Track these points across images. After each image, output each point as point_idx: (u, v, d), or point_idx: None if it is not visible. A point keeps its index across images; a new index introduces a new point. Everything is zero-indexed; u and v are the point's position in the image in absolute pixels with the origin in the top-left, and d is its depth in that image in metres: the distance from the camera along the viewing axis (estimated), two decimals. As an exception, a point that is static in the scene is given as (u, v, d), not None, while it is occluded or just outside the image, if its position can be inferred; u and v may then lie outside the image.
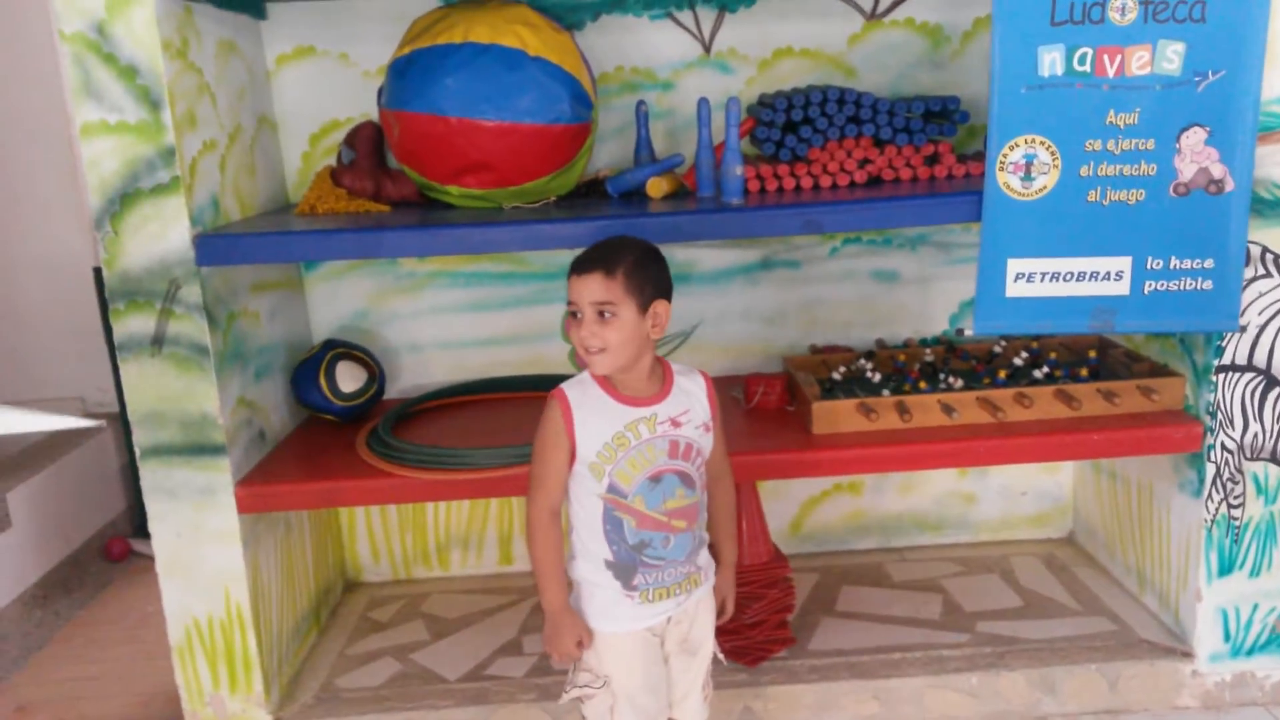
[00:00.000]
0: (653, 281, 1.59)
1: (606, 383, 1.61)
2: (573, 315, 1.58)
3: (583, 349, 1.57)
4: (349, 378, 2.28)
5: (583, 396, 1.60)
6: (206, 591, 2.03)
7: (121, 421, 3.23)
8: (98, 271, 3.17)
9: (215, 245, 1.90)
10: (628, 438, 1.58)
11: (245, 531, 2.02)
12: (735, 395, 2.35)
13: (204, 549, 2.01)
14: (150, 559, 2.05)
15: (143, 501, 2.01)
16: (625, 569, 1.61)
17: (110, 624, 2.72)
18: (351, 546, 2.64)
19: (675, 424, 1.61)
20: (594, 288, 1.55)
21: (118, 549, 3.10)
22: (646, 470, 1.59)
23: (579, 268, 1.57)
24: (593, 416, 1.59)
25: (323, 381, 2.26)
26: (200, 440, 1.96)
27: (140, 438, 1.96)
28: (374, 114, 2.32)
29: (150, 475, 1.98)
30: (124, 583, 2.96)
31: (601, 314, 1.55)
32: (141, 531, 3.21)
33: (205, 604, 2.03)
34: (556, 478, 1.60)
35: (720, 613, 1.77)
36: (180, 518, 1.99)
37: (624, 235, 1.65)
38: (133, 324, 1.92)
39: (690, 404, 1.64)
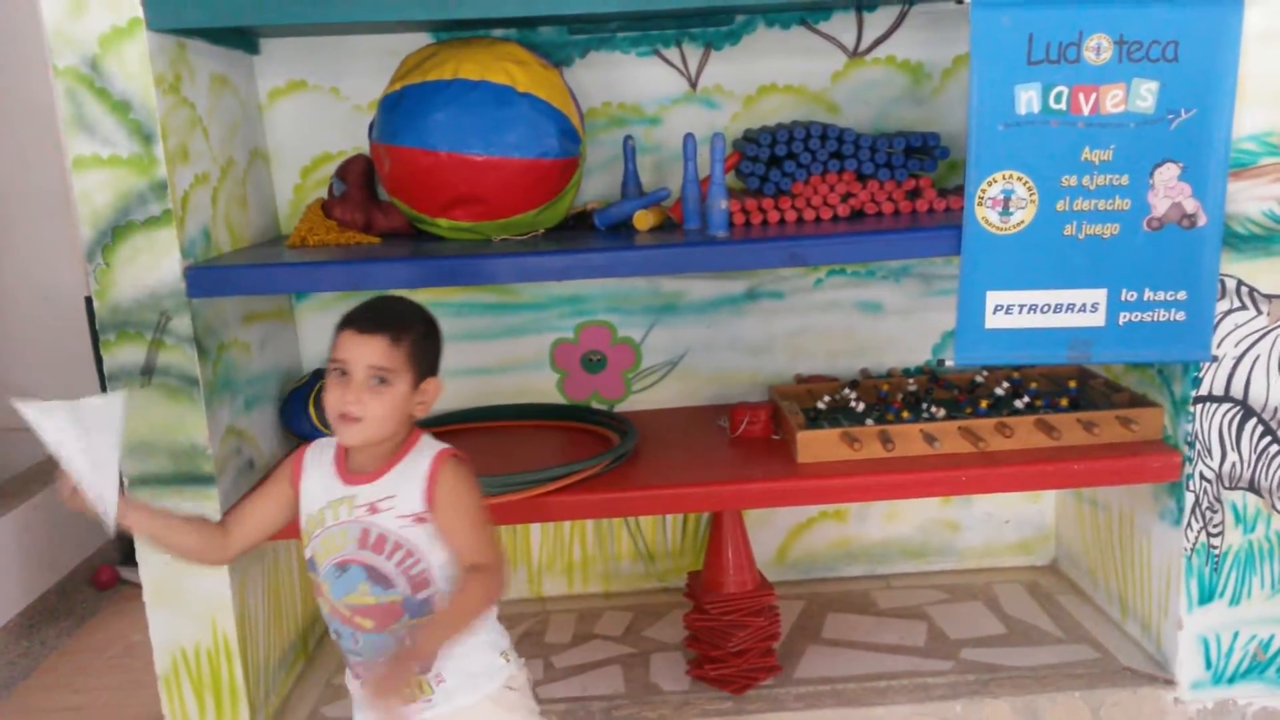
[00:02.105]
0: (432, 356, 1.50)
1: (341, 453, 1.51)
2: (338, 373, 1.43)
3: (337, 414, 1.42)
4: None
5: (319, 458, 1.52)
6: (194, 621, 2.03)
7: (111, 450, 3.23)
8: (89, 301, 3.19)
9: (206, 277, 1.92)
10: (325, 516, 1.47)
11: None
12: (721, 424, 2.38)
13: (192, 578, 2.01)
14: (138, 587, 2.05)
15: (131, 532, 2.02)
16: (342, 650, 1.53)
17: (97, 653, 2.72)
18: (339, 575, 2.64)
19: (373, 509, 1.45)
20: (374, 351, 1.42)
21: (106, 577, 3.09)
22: (334, 556, 1.46)
23: (360, 325, 1.44)
24: (315, 481, 1.50)
25: (313, 411, 2.27)
26: (189, 470, 1.97)
27: (129, 467, 1.97)
28: (365, 147, 2.36)
29: (139, 505, 1.98)
30: (111, 611, 2.96)
31: (376, 380, 1.42)
32: (130, 559, 3.20)
33: (192, 633, 2.04)
34: (249, 505, 1.55)
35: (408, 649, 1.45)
36: (168, 547, 2.00)
37: (405, 298, 1.54)
38: (123, 355, 1.94)
39: (399, 489, 1.46)
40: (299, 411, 2.29)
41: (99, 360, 2.61)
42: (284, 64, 2.37)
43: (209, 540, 1.53)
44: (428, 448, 1.51)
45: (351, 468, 1.50)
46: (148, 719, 2.33)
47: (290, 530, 2.05)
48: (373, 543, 1.45)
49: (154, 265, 1.90)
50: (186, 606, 2.03)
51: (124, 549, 3.29)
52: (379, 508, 1.45)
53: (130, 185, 1.87)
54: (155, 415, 1.95)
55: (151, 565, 2.01)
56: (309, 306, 2.50)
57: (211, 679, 2.06)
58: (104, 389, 2.38)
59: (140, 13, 1.82)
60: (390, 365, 1.43)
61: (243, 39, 2.26)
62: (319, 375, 2.34)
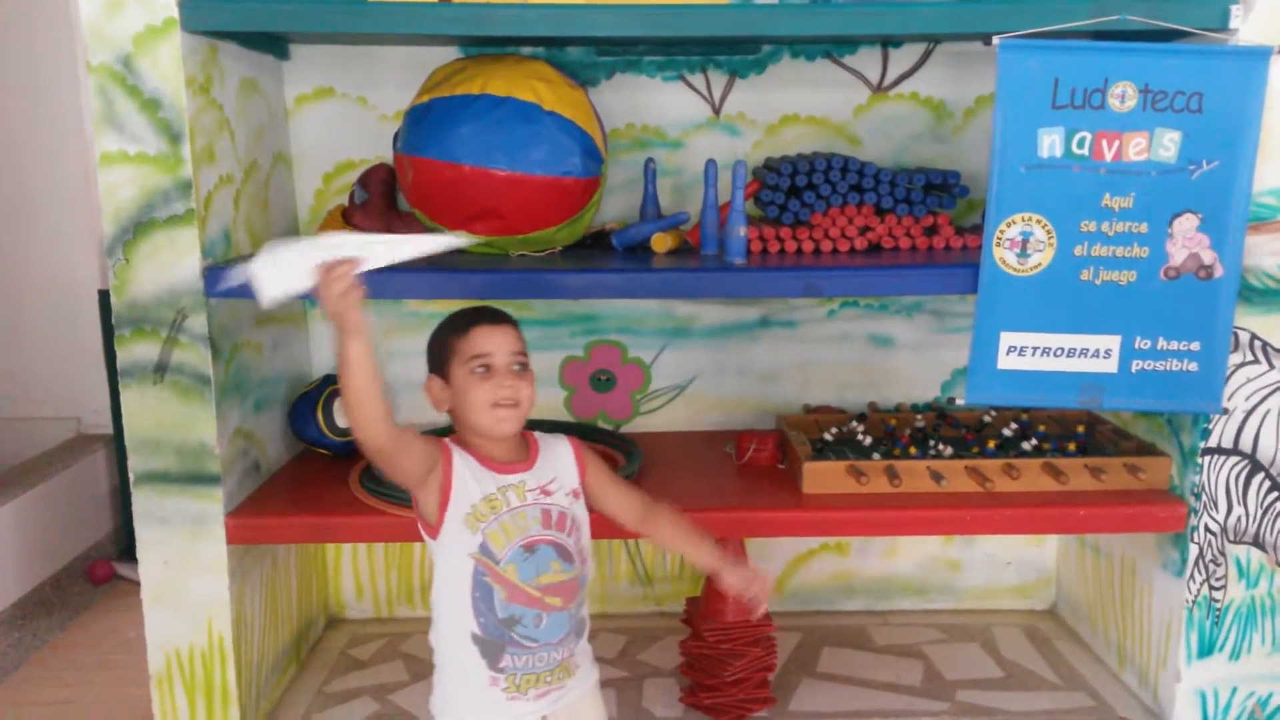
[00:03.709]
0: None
1: (475, 450, 1.55)
2: (480, 369, 1.51)
3: (494, 403, 1.49)
4: (346, 413, 2.30)
5: (460, 454, 1.54)
6: (190, 621, 2.03)
7: (116, 444, 3.24)
8: (103, 294, 3.20)
9: (225, 277, 1.93)
10: (498, 503, 1.51)
11: (233, 562, 2.03)
12: (728, 450, 2.37)
13: (191, 578, 2.01)
14: (133, 583, 2.06)
15: (130, 525, 2.02)
16: (492, 646, 1.51)
17: (88, 648, 2.70)
18: (336, 582, 2.64)
19: (545, 492, 1.55)
20: (511, 339, 1.52)
21: (101, 572, 3.09)
22: (519, 538, 1.51)
23: (490, 319, 1.53)
24: (467, 473, 1.52)
25: (320, 416, 2.28)
26: (195, 469, 1.97)
27: (136, 464, 1.97)
28: (388, 157, 2.37)
29: (143, 501, 1.99)
30: (105, 606, 2.95)
31: (517, 366, 1.51)
32: (126, 555, 3.20)
33: (187, 633, 2.03)
34: (408, 431, 1.49)
35: (749, 587, 1.62)
36: (169, 545, 2.00)
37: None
38: (137, 351, 1.94)
39: (557, 471, 1.58)
40: (307, 417, 2.29)
41: (110, 355, 2.61)
42: (313, 70, 2.39)
43: (384, 401, 1.48)
44: (551, 436, 1.63)
45: (499, 458, 1.55)
46: (137, 717, 2.32)
47: (293, 534, 2.07)
48: (555, 521, 1.54)
49: (174, 263, 1.91)
50: (183, 606, 2.02)
51: (121, 545, 3.29)
52: (549, 489, 1.55)
53: (155, 183, 1.88)
54: (165, 413, 1.95)
55: (151, 564, 2.01)
56: (322, 313, 2.50)
57: (204, 680, 2.05)
58: (114, 383, 2.39)
59: (175, 13, 1.83)
60: (523, 350, 1.54)
61: (274, 44, 2.28)
62: (328, 381, 2.35)
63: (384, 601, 2.65)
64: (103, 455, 3.30)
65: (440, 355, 1.57)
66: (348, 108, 2.41)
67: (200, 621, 2.03)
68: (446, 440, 1.58)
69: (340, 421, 2.29)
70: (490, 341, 1.52)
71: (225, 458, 2.00)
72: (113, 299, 1.93)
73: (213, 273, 1.92)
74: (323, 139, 2.42)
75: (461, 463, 1.54)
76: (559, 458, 1.60)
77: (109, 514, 3.32)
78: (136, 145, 1.87)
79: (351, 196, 2.34)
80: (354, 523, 2.05)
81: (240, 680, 2.07)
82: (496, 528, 1.50)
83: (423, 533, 1.60)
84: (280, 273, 1.39)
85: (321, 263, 1.37)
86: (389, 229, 2.26)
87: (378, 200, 2.29)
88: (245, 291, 1.95)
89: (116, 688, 2.48)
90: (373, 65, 2.39)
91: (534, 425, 2.46)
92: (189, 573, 2.01)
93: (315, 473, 2.28)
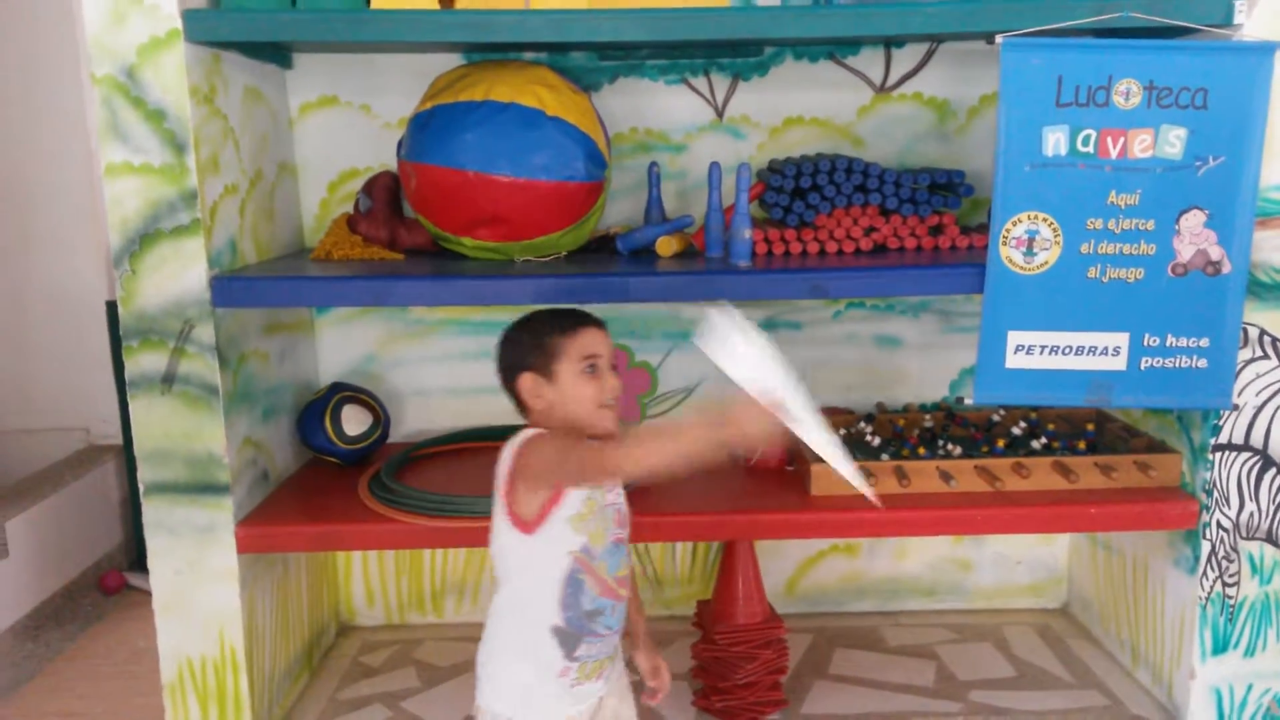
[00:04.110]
0: None
1: None
2: (589, 369, 1.57)
3: (603, 403, 1.57)
4: (354, 421, 2.31)
5: None
6: (201, 630, 2.03)
7: (125, 455, 3.25)
8: (111, 305, 3.21)
9: (231, 288, 1.94)
10: (594, 504, 1.56)
11: (243, 571, 2.03)
12: (736, 453, 2.37)
13: (202, 588, 2.01)
14: (145, 593, 2.06)
15: (141, 535, 2.03)
16: (572, 637, 1.56)
17: (101, 658, 2.71)
18: (346, 589, 2.64)
19: (615, 493, 1.63)
20: (608, 342, 1.58)
21: (113, 582, 3.09)
22: (610, 535, 1.58)
23: (596, 323, 1.60)
24: None
25: (328, 424, 2.28)
26: (205, 479, 1.98)
27: (145, 474, 1.98)
28: (392, 164, 2.38)
29: (153, 512, 1.99)
30: (117, 617, 2.96)
31: (611, 368, 1.59)
32: (138, 565, 3.21)
33: (199, 643, 2.04)
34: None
35: (656, 678, 1.75)
36: (180, 555, 2.00)
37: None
38: (145, 361, 1.94)
39: None
40: (315, 425, 2.29)
41: (119, 366, 2.62)
42: (316, 79, 2.40)
43: None
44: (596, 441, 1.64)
45: None
46: (149, 727, 2.32)
47: (303, 542, 2.07)
48: (623, 519, 1.63)
49: (180, 274, 1.91)
50: (195, 617, 2.02)
51: (132, 555, 3.30)
52: (618, 491, 1.63)
53: (161, 194, 1.89)
54: (174, 423, 1.96)
55: (162, 574, 2.01)
56: (329, 320, 2.51)
57: (216, 690, 2.05)
58: (123, 395, 2.39)
59: (179, 24, 1.84)
60: (614, 354, 1.61)
61: (277, 53, 2.28)
62: (336, 389, 2.35)
63: (395, 608, 2.65)
64: (113, 466, 3.31)
65: (542, 355, 1.58)
66: (351, 116, 2.41)
67: (212, 631, 2.03)
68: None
69: (349, 429, 2.30)
70: (598, 343, 1.58)
71: (234, 467, 2.01)
72: (120, 310, 1.93)
73: (220, 283, 1.93)
74: (327, 147, 2.43)
75: None
76: None
77: (119, 524, 3.33)
78: (141, 156, 1.88)
79: (356, 204, 2.34)
80: (364, 530, 2.05)
81: (253, 689, 2.07)
82: (597, 526, 1.56)
83: (505, 529, 1.58)
84: (743, 353, 1.37)
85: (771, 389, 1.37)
86: (394, 236, 2.26)
87: (382, 208, 2.30)
88: (254, 300, 1.98)
89: (129, 698, 2.49)
90: (376, 73, 2.39)
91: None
92: (200, 582, 2.01)
93: (324, 481, 2.28)
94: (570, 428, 1.58)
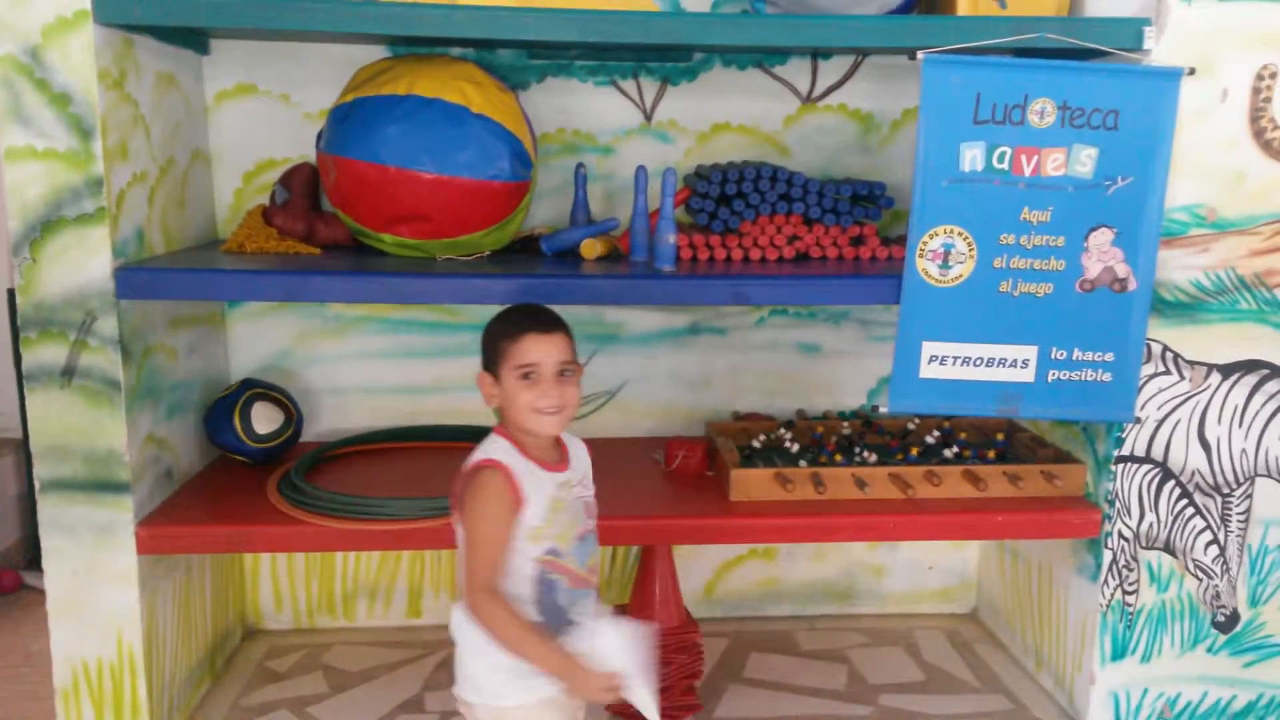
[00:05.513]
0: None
1: (523, 450, 1.59)
2: (523, 375, 1.56)
3: (535, 410, 1.56)
4: (265, 419, 2.25)
5: (513, 464, 1.57)
6: (98, 633, 1.96)
7: (24, 449, 3.11)
8: (11, 294, 3.07)
9: (137, 279, 1.87)
10: (559, 504, 1.59)
11: (143, 573, 1.96)
12: (656, 457, 2.37)
13: (99, 589, 1.94)
14: (42, 593, 1.97)
15: (38, 533, 1.94)
16: (550, 629, 1.58)
17: (-9, 661, 2.59)
18: (253, 592, 2.57)
19: (583, 485, 1.66)
20: (559, 348, 1.58)
21: (7, 581, 2.96)
22: (577, 531, 1.61)
23: (542, 328, 1.58)
24: (530, 483, 1.56)
25: (237, 422, 2.22)
26: (104, 476, 1.91)
27: (41, 470, 1.90)
28: (311, 156, 2.32)
29: (49, 509, 1.91)
30: (11, 617, 2.83)
31: (561, 373, 1.57)
32: (34, 564, 3.07)
33: (96, 646, 1.96)
34: (504, 553, 1.54)
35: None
36: (77, 555, 1.93)
37: (536, 303, 1.69)
38: (44, 353, 1.87)
39: (583, 467, 1.69)
40: (223, 422, 2.23)
41: (18, 357, 2.52)
42: (234, 67, 2.33)
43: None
44: (570, 435, 1.70)
45: (548, 458, 1.62)
46: (41, 733, 2.23)
47: (207, 543, 2.01)
48: (592, 511, 1.67)
49: (83, 263, 1.84)
50: (92, 618, 1.95)
51: (28, 552, 3.16)
52: (586, 484, 1.67)
53: (64, 180, 1.81)
54: (73, 418, 1.88)
55: (57, 574, 1.93)
56: (241, 315, 2.44)
57: (113, 695, 1.98)
58: (21, 386, 2.29)
59: (87, 5, 1.77)
60: (571, 358, 1.60)
61: (193, 39, 2.21)
62: (247, 385, 2.29)
63: (304, 612, 2.59)
64: (10, 460, 3.16)
65: (492, 355, 1.61)
66: (270, 105, 2.35)
67: (109, 633, 1.96)
68: (503, 467, 1.56)
69: (259, 428, 2.23)
70: (539, 350, 1.57)
71: (135, 465, 1.94)
72: (19, 299, 1.85)
73: (125, 274, 1.86)
74: (243, 137, 2.36)
75: (525, 479, 1.56)
76: (582, 456, 1.70)
77: (16, 521, 3.19)
78: (45, 140, 1.80)
79: (272, 196, 2.29)
80: (272, 532, 1.99)
81: (151, 694, 2.00)
82: (563, 527, 1.59)
83: (466, 541, 1.59)
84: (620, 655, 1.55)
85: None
86: (311, 229, 2.21)
87: (300, 200, 2.24)
88: (161, 292, 1.91)
89: (21, 702, 2.38)
90: (296, 62, 2.34)
91: (464, 431, 2.45)
92: (97, 583, 1.94)
93: (231, 480, 2.22)
94: (519, 429, 1.60)
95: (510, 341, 1.58)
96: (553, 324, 1.60)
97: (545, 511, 1.57)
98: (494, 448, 1.59)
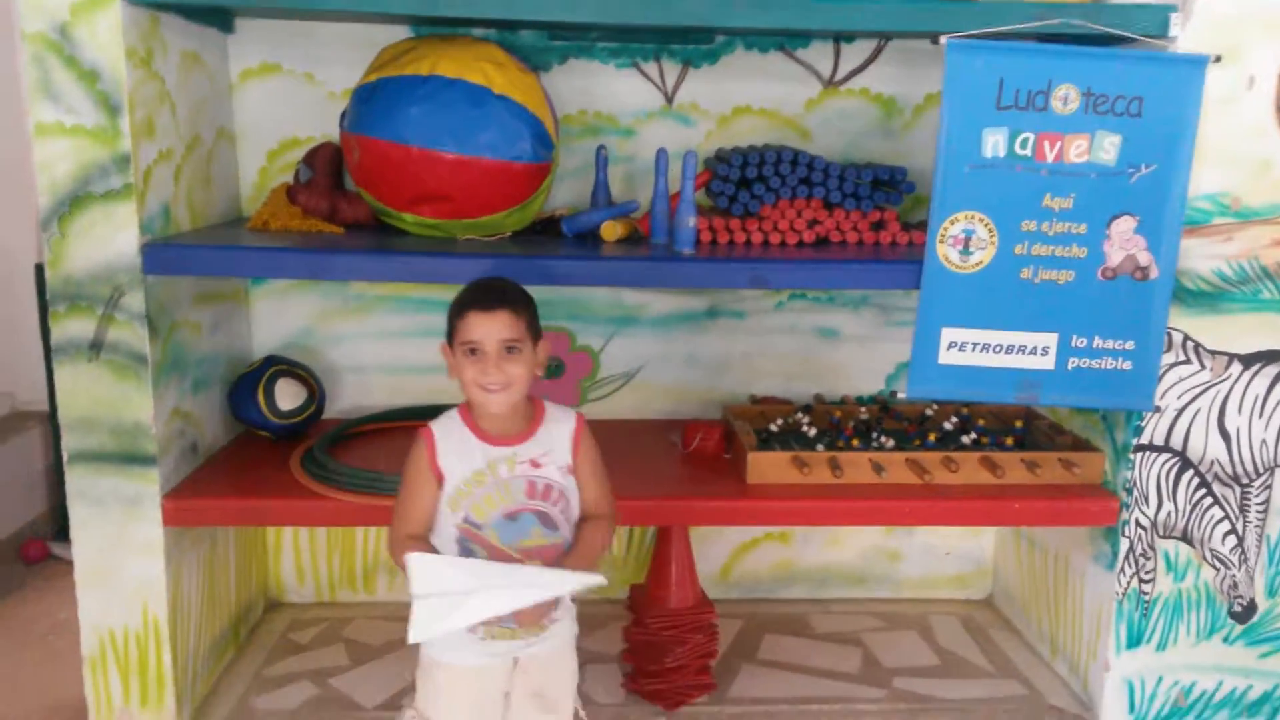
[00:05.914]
0: (538, 322, 1.67)
1: (471, 421, 1.64)
2: (469, 351, 1.59)
3: (480, 386, 1.59)
4: (288, 395, 2.28)
5: (447, 434, 1.63)
6: (124, 603, 2.00)
7: (51, 422, 3.16)
8: (39, 268, 3.11)
9: (163, 254, 1.89)
10: (485, 475, 1.61)
11: (169, 544, 2.00)
12: (674, 440, 2.39)
13: (126, 560, 1.98)
14: (68, 564, 2.02)
15: (65, 505, 1.98)
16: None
17: (21, 629, 2.65)
18: (276, 565, 2.61)
19: (535, 464, 1.64)
20: (502, 325, 1.59)
21: (35, 551, 3.02)
22: (503, 508, 1.61)
23: (483, 305, 1.59)
24: (454, 453, 1.61)
25: (261, 398, 2.25)
26: (131, 449, 1.94)
27: (70, 442, 1.93)
28: (335, 135, 2.34)
29: (76, 481, 1.95)
30: (38, 586, 2.89)
31: (507, 350, 1.59)
32: (61, 535, 3.13)
33: (122, 616, 2.00)
34: (420, 512, 1.62)
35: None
36: (104, 526, 1.96)
37: (502, 276, 1.70)
38: (72, 327, 1.90)
39: (553, 445, 1.66)
40: (247, 398, 2.26)
41: (45, 330, 2.56)
42: (258, 45, 2.35)
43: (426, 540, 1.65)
44: (561, 410, 1.71)
45: (495, 432, 1.63)
46: (69, 700, 2.27)
47: (231, 516, 2.05)
48: (541, 492, 1.63)
49: (110, 239, 1.87)
50: (118, 588, 1.99)
51: (56, 524, 3.22)
52: (540, 462, 1.64)
53: (92, 156, 1.84)
54: (100, 391, 1.92)
55: (85, 545, 1.97)
56: (265, 292, 2.47)
57: (139, 664, 2.02)
58: (49, 360, 2.33)
59: (116, -17, 1.79)
60: (517, 335, 1.59)
61: (218, 17, 2.23)
62: (270, 362, 2.32)
63: (325, 585, 2.63)
64: (38, 433, 3.22)
65: (449, 327, 1.65)
66: (294, 84, 2.37)
67: (135, 604, 2.00)
68: (434, 431, 1.64)
69: (282, 404, 2.26)
70: (481, 328, 1.58)
71: (162, 438, 1.97)
72: (47, 274, 1.88)
73: (151, 250, 1.88)
74: (268, 115, 2.38)
75: (448, 446, 1.62)
76: (560, 434, 1.67)
77: (44, 493, 3.25)
78: (74, 117, 1.83)
79: (296, 175, 2.30)
80: (295, 506, 2.03)
81: (176, 663, 2.04)
82: (480, 500, 1.60)
83: None
84: (439, 615, 1.52)
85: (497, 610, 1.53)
86: (334, 208, 2.23)
87: (323, 179, 2.26)
88: (186, 269, 1.94)
89: (49, 669, 2.44)
90: (320, 42, 2.35)
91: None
92: (124, 554, 1.97)
93: (255, 455, 2.25)
94: (469, 402, 1.64)
95: (458, 317, 1.61)
96: (498, 301, 1.60)
97: (462, 482, 1.60)
98: (442, 416, 1.66)
